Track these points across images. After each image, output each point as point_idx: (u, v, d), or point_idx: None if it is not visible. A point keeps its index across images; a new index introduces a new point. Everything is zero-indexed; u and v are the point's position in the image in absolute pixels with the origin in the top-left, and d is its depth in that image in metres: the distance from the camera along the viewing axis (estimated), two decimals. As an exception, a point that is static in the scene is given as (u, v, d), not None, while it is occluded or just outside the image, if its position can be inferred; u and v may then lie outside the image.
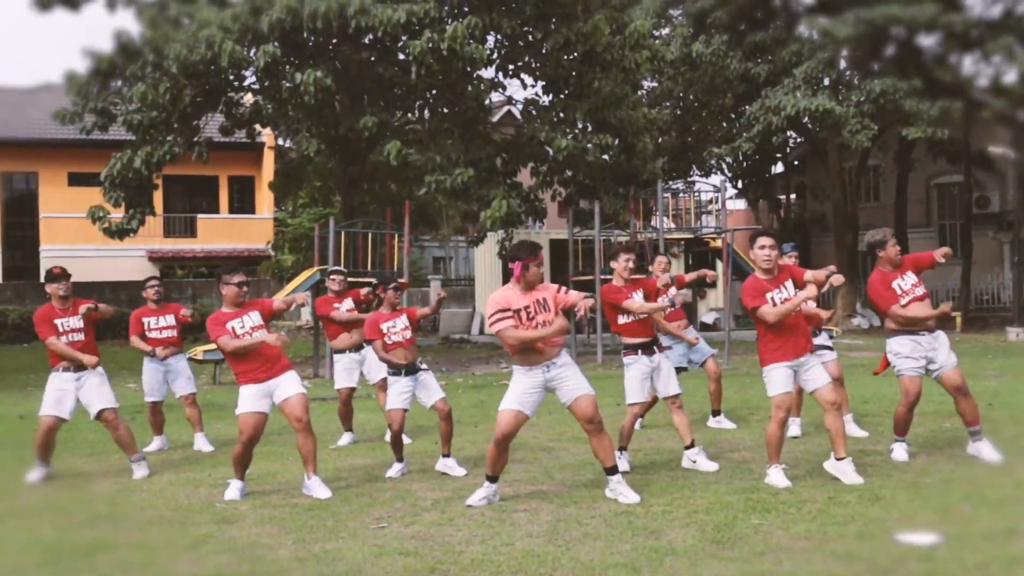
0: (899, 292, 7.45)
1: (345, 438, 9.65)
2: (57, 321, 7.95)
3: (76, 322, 8.00)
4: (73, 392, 7.93)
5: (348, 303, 9.78)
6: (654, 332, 7.85)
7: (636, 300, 7.64)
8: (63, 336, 7.93)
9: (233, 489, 7.06)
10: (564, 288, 6.67)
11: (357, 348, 9.60)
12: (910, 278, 7.51)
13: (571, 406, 6.49)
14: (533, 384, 6.49)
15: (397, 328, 7.95)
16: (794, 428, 8.88)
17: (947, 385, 7.47)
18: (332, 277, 9.99)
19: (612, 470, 6.51)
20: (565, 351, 6.63)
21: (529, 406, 6.52)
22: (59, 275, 8.06)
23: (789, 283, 6.95)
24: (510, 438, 6.57)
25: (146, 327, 9.56)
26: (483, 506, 6.48)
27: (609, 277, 21.39)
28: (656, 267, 9.48)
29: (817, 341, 8.74)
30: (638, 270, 8.09)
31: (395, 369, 7.85)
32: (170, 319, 9.64)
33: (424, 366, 8.00)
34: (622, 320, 7.71)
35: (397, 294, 8.17)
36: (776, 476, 6.77)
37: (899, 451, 7.63)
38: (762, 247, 6.93)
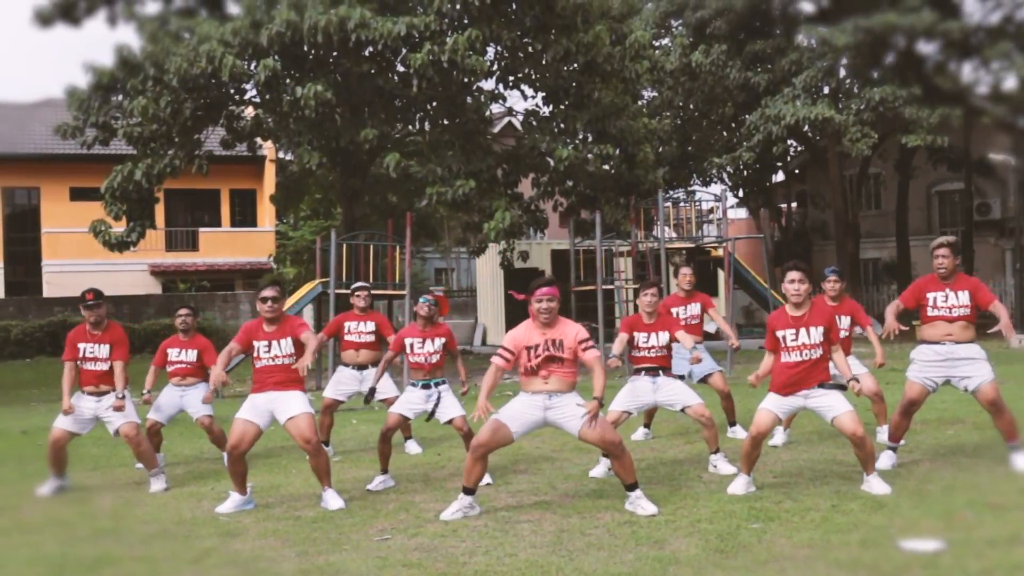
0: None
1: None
2: (81, 345, 7.89)
3: (100, 350, 7.87)
4: (92, 412, 7.93)
5: (371, 326, 9.46)
6: (662, 362, 7.94)
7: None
8: (86, 362, 7.87)
9: (228, 502, 7.03)
10: (587, 342, 6.36)
11: (360, 367, 9.46)
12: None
13: (582, 435, 6.35)
14: (531, 408, 6.43)
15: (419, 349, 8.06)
16: (778, 437, 8.95)
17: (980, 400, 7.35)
18: (357, 294, 9.56)
19: (632, 487, 6.42)
20: (575, 392, 6.44)
21: (517, 425, 6.42)
22: (91, 303, 7.88)
23: (816, 329, 6.61)
24: (486, 448, 6.45)
25: (168, 357, 9.15)
26: (459, 519, 6.39)
27: (610, 287, 21.32)
28: (681, 279, 9.62)
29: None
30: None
31: (413, 381, 8.00)
32: (193, 354, 9.07)
33: (442, 387, 7.92)
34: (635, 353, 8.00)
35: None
36: (738, 483, 6.90)
37: (882, 459, 7.54)
38: (791, 281, 6.69)
